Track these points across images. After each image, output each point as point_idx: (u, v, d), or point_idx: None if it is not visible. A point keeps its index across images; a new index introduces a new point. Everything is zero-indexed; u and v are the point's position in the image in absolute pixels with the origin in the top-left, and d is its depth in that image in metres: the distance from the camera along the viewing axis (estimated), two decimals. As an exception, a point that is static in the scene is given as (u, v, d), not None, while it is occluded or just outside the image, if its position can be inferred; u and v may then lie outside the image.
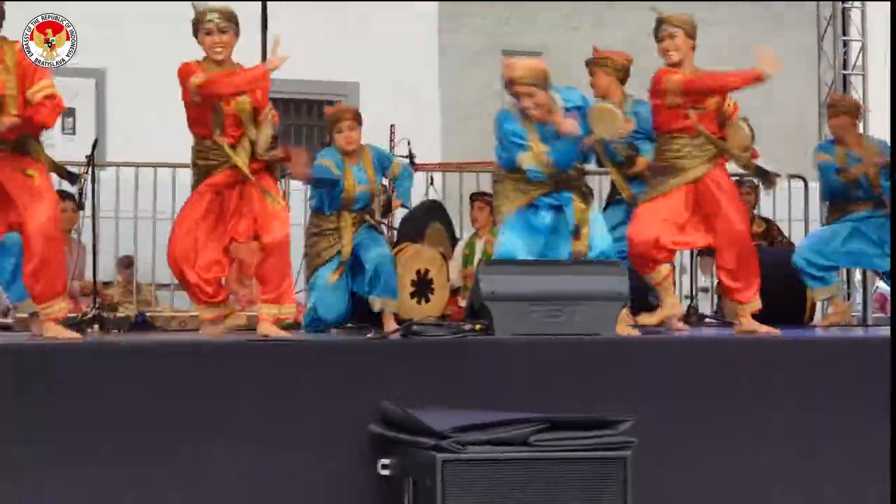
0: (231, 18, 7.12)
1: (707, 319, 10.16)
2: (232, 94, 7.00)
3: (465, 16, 14.85)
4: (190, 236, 7.14)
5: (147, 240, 10.11)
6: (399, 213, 9.46)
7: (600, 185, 9.15)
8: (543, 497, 5.57)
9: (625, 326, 7.34)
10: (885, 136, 8.88)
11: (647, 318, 7.64)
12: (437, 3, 14.36)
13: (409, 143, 9.77)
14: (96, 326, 8.10)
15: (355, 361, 6.27)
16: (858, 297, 11.34)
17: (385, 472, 5.93)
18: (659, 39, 7.48)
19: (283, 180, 9.63)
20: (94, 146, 8.54)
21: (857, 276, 11.07)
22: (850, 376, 6.71)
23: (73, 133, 13.07)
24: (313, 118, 14.12)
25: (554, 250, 7.36)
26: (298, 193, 9.72)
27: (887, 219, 8.80)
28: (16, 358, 5.97)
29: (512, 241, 7.30)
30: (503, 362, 6.38)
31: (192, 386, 6.00)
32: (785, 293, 8.83)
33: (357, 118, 8.18)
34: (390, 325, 7.93)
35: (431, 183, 10.38)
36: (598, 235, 7.41)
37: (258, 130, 7.13)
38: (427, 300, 8.73)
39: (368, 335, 7.07)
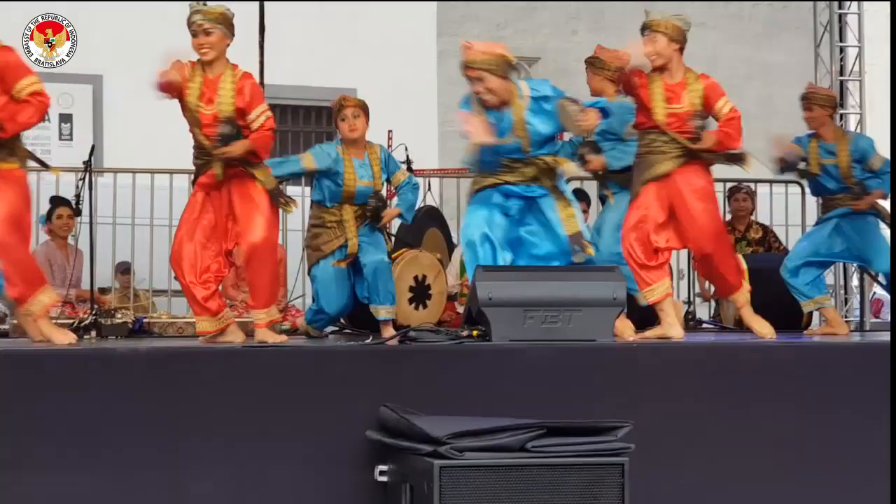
0: (218, 19, 7.08)
1: (704, 325, 10.18)
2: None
3: (463, 21, 14.87)
4: (188, 236, 7.17)
5: (144, 246, 10.11)
6: (396, 220, 9.45)
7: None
8: (541, 503, 5.57)
9: (625, 329, 7.39)
10: (886, 138, 8.87)
11: (644, 334, 7.59)
12: (435, 7, 14.37)
13: (406, 149, 9.78)
14: (93, 332, 8.10)
15: (353, 368, 6.26)
16: (856, 302, 11.34)
17: (382, 479, 5.94)
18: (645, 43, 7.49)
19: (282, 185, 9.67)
20: (91, 152, 8.54)
21: (855, 281, 11.07)
22: (849, 381, 6.71)
23: (71, 139, 13.08)
24: (310, 124, 14.13)
25: (535, 247, 7.35)
26: (297, 199, 9.71)
27: (866, 217, 8.76)
28: (11, 363, 5.97)
29: (473, 215, 7.29)
30: (500, 368, 6.38)
31: (190, 391, 5.99)
32: (781, 300, 8.82)
33: (362, 107, 8.12)
34: (388, 331, 7.93)
35: (429, 189, 10.38)
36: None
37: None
38: (424, 306, 8.74)
39: (366, 341, 7.07)
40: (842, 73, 10.99)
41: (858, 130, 10.69)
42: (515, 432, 5.65)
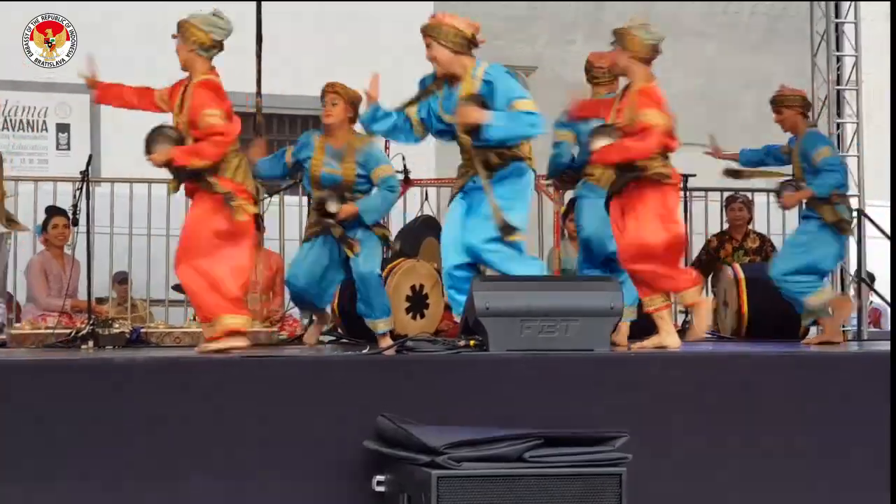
0: (180, 27, 7.03)
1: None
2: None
3: (459, 30, 14.83)
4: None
5: (142, 256, 10.11)
6: (394, 228, 9.44)
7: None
8: (538, 513, 5.57)
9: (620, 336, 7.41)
10: (883, 148, 8.83)
11: (641, 344, 7.57)
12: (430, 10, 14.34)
13: (403, 158, 9.76)
14: (91, 342, 8.09)
15: (350, 377, 6.26)
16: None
17: (380, 489, 5.94)
18: None
19: (278, 195, 9.67)
20: (88, 162, 8.53)
21: (851, 291, 11.05)
22: (847, 391, 6.71)
23: (68, 149, 13.07)
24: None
25: (471, 232, 7.36)
26: (293, 209, 9.72)
27: (808, 220, 8.71)
28: (9, 373, 5.97)
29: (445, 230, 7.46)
30: (498, 378, 6.38)
31: (187, 402, 5.99)
32: (779, 309, 8.81)
33: (342, 95, 8.06)
34: (385, 340, 7.93)
35: (426, 198, 10.37)
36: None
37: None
38: (422, 316, 8.73)
39: (363, 351, 7.06)
40: (838, 82, 10.99)
41: (855, 140, 10.67)
42: (513, 442, 5.65)
